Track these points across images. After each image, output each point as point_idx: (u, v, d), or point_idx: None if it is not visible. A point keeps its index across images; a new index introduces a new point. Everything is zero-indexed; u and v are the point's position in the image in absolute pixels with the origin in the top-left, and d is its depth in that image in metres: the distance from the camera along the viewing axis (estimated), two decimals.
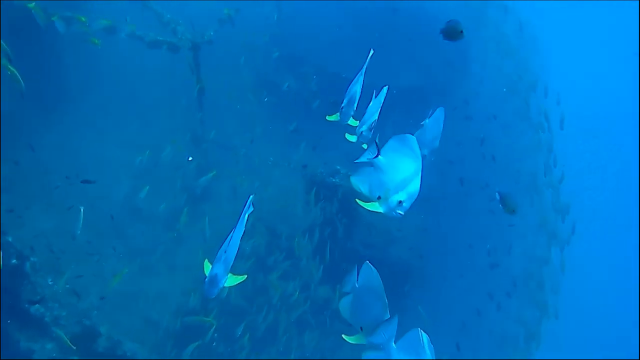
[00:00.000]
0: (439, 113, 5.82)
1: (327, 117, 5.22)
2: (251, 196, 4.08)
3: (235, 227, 3.95)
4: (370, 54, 5.03)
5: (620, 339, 21.64)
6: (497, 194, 5.81)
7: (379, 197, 4.24)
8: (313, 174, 9.87)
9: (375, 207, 4.23)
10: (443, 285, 11.91)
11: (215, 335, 8.23)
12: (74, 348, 7.16)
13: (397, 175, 4.22)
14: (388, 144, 4.37)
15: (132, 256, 10.26)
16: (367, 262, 4.61)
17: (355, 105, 4.95)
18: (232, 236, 3.93)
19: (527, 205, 13.52)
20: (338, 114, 5.04)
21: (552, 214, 13.81)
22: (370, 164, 4.35)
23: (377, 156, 4.33)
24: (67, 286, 8.85)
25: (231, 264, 3.94)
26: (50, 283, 8.67)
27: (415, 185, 4.14)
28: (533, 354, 13.87)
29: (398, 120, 12.30)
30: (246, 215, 3.99)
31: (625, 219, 27.01)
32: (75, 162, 11.28)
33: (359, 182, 4.33)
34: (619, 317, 22.98)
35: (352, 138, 5.20)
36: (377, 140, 5.41)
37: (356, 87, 4.97)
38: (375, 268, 4.18)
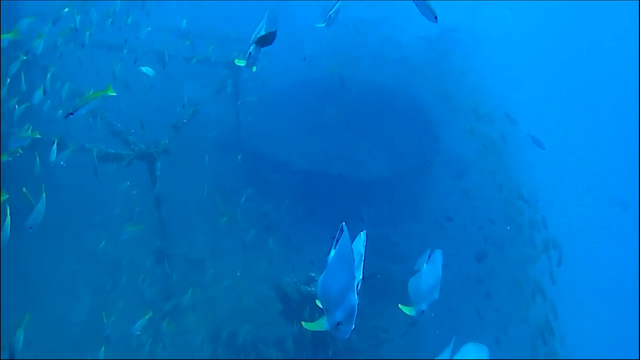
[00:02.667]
0: (437, 256, 4.57)
1: (306, 325, 3.78)
2: None
3: None
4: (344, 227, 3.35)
5: (619, 339, 21.04)
6: None
7: None
8: (284, 283, 9.22)
9: None
10: None
11: None
12: None
13: None
14: (463, 349, 3.82)
15: None
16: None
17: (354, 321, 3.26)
18: None
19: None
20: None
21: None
22: None
23: None
24: None
25: None
26: None
27: None
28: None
29: (371, 214, 11.87)
30: None
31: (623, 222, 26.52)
32: (27, 278, 10.50)
33: None
34: (618, 317, 22.44)
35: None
36: None
37: (352, 295, 3.22)
38: None
